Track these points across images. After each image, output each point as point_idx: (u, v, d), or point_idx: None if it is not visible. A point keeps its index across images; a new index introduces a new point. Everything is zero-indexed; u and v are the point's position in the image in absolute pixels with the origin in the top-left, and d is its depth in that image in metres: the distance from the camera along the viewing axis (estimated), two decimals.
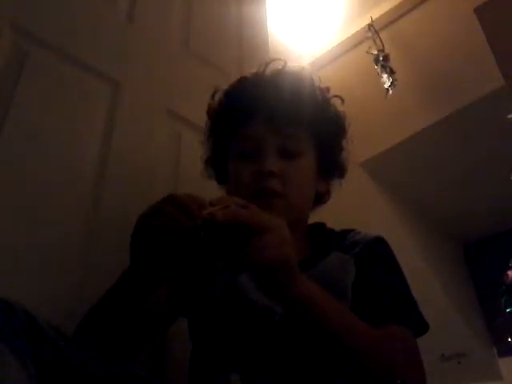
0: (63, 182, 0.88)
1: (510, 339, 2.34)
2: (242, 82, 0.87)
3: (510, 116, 1.51)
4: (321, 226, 0.87)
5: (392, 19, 2.18)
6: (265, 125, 0.79)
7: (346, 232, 0.83)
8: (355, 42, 2.28)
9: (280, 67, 0.86)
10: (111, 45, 1.09)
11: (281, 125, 0.78)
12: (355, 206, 1.96)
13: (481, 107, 1.84)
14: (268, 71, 0.86)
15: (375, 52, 2.10)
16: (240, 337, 0.68)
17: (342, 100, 0.89)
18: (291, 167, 0.78)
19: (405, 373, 0.60)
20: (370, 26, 2.17)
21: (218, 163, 0.91)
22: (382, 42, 2.12)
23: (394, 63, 2.02)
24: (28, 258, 0.79)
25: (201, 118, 1.19)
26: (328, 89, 0.88)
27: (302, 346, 0.63)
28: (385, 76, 2.01)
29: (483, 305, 2.49)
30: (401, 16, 2.18)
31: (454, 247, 2.69)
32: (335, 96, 0.89)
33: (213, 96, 0.91)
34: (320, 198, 0.87)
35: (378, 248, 0.77)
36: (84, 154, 0.94)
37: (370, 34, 2.17)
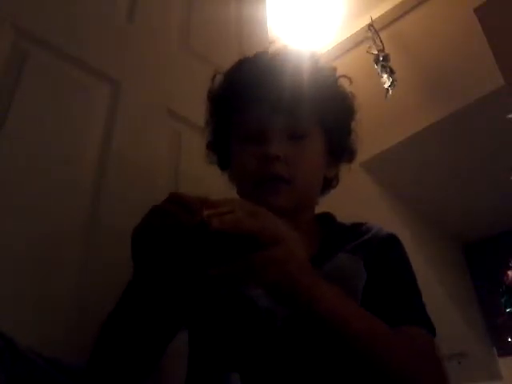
0: (63, 181, 0.88)
1: (510, 339, 2.34)
2: (243, 62, 0.82)
3: (510, 116, 1.51)
4: (330, 218, 0.83)
5: (392, 19, 2.19)
6: (268, 106, 0.74)
7: (356, 226, 0.79)
8: (355, 42, 2.29)
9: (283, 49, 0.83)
10: (111, 45, 1.09)
11: (285, 106, 0.74)
12: (355, 205, 1.96)
13: (481, 107, 1.85)
14: (270, 52, 0.82)
15: (375, 52, 2.10)
16: (240, 338, 0.66)
17: (350, 80, 0.85)
18: (297, 150, 0.74)
19: (429, 373, 0.59)
20: (370, 26, 2.17)
21: (219, 148, 0.86)
22: (381, 42, 2.12)
23: (394, 63, 2.02)
24: (28, 258, 0.79)
25: (201, 118, 1.19)
26: (335, 68, 0.84)
27: (304, 351, 0.61)
28: (385, 76, 2.01)
29: (483, 305, 2.49)
30: (401, 16, 2.18)
31: (454, 247, 2.69)
32: (342, 76, 0.85)
33: (213, 79, 0.86)
34: (328, 184, 0.83)
35: (390, 248, 0.74)
36: (84, 153, 0.94)
37: (370, 34, 2.17)
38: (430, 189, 2.30)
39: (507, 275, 2.29)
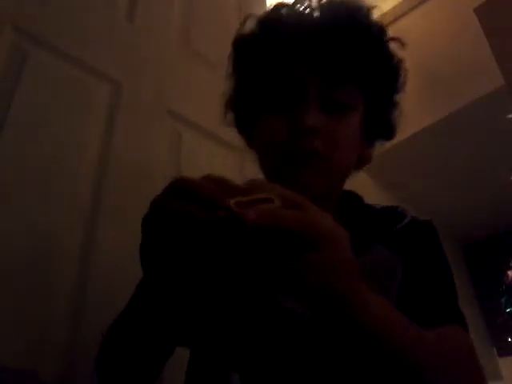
0: (63, 181, 0.88)
1: (510, 339, 2.34)
2: (282, 8, 0.68)
3: (510, 116, 1.51)
4: (356, 198, 0.73)
5: (392, 19, 2.19)
6: (307, 66, 0.62)
7: (388, 210, 0.71)
8: None
9: None
10: (111, 45, 1.09)
11: (328, 68, 0.62)
12: None
13: (481, 107, 1.85)
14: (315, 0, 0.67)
15: None
16: (260, 338, 0.60)
17: (403, 44, 0.72)
18: (337, 124, 0.63)
19: (470, 372, 0.55)
20: None
21: (241, 107, 0.73)
22: None
23: None
24: (27, 258, 0.79)
25: (201, 118, 1.19)
26: (385, 28, 0.71)
27: (329, 355, 0.56)
28: None
29: (483, 305, 2.49)
30: (401, 16, 2.18)
31: (454, 247, 2.69)
32: (393, 39, 0.72)
33: (243, 23, 0.73)
34: (361, 162, 0.72)
35: (428, 239, 0.68)
36: (84, 154, 0.94)
37: None
38: (430, 189, 2.30)
39: (507, 275, 2.29)
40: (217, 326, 0.64)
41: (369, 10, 0.70)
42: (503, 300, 2.29)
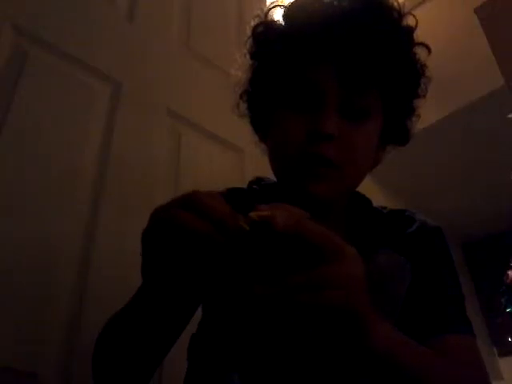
0: (63, 182, 0.88)
1: (510, 339, 2.34)
2: (310, 4, 0.63)
3: (510, 116, 1.51)
4: (365, 200, 0.71)
5: None
6: (331, 69, 0.59)
7: (396, 214, 0.70)
8: None
9: None
10: (111, 45, 1.09)
11: (355, 72, 0.59)
12: None
13: (481, 107, 1.84)
14: None
15: None
16: (256, 339, 0.59)
17: (429, 50, 0.70)
18: (355, 132, 0.60)
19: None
20: None
21: (257, 100, 0.70)
22: None
23: None
24: (27, 259, 0.79)
25: (201, 118, 1.19)
26: (413, 28, 0.66)
27: (333, 360, 0.56)
28: None
29: (483, 305, 2.49)
30: None
31: (454, 247, 2.69)
32: (420, 44, 0.68)
33: (267, 12, 0.68)
34: (372, 165, 0.70)
35: (438, 246, 0.67)
36: (84, 154, 0.94)
37: None
38: (429, 189, 2.30)
39: (507, 275, 2.29)
40: (217, 326, 0.63)
41: (400, 12, 0.65)
42: (503, 300, 2.29)
